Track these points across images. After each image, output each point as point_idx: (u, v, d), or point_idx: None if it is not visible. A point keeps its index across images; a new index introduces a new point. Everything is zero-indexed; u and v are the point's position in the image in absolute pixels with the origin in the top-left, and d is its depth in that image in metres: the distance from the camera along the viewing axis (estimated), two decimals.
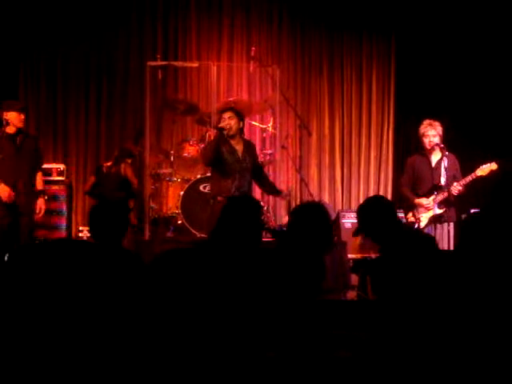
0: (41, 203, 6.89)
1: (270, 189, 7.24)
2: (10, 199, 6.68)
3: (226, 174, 6.66)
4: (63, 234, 8.50)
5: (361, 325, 4.16)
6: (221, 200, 6.58)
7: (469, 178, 6.84)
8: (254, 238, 4.09)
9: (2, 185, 6.69)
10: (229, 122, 6.65)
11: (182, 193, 7.97)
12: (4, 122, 6.85)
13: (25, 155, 6.88)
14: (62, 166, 8.19)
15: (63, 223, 8.55)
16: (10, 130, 6.85)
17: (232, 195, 6.49)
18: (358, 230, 4.69)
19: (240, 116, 6.79)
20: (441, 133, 6.99)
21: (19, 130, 6.89)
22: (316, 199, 9.08)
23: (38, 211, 6.86)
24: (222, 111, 6.89)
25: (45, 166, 8.27)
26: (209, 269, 3.79)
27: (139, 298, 3.86)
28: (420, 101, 9.49)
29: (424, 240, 4.53)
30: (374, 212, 4.50)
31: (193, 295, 3.68)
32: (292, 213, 4.49)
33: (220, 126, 6.62)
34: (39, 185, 7.02)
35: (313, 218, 4.17)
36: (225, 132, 6.59)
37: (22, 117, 6.88)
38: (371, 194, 9.79)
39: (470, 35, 9.35)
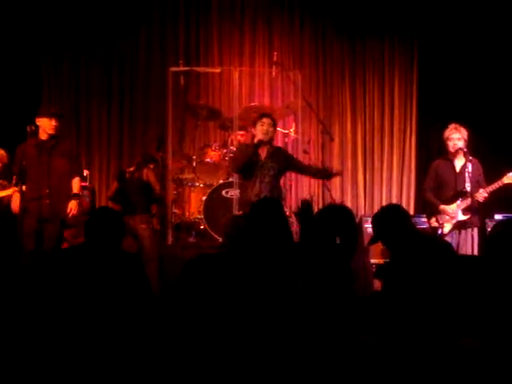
0: (72, 205, 6.78)
1: (322, 174, 7.22)
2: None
3: (248, 180, 6.68)
4: None
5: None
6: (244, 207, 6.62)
7: (495, 185, 6.78)
8: (283, 234, 4.10)
9: (16, 194, 6.56)
10: (268, 128, 6.65)
11: (204, 198, 7.98)
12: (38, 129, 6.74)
13: (55, 161, 6.73)
14: (85, 172, 8.21)
15: None
16: (42, 136, 6.73)
17: (252, 201, 6.42)
18: (373, 239, 4.68)
19: (275, 125, 6.82)
20: (466, 137, 6.94)
21: (52, 136, 6.75)
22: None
23: (68, 212, 6.77)
24: (262, 116, 6.77)
25: None
26: (241, 273, 3.82)
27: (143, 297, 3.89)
28: (442, 106, 9.45)
29: (439, 247, 4.48)
30: (388, 221, 4.47)
31: (230, 297, 3.71)
32: (318, 216, 4.47)
33: (260, 138, 6.60)
34: (75, 189, 6.85)
35: (340, 221, 4.16)
36: (263, 140, 6.62)
37: (54, 123, 6.69)
38: (394, 198, 9.77)
39: (492, 40, 9.29)
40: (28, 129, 6.69)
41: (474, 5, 9.31)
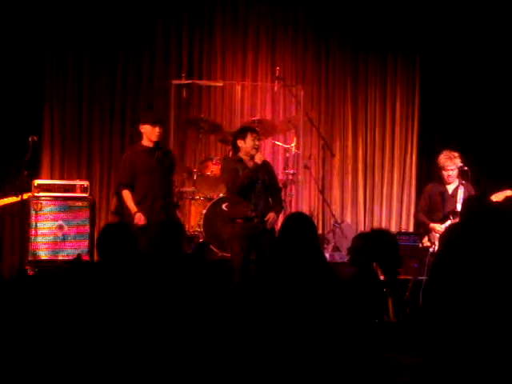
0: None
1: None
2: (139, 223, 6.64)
3: (243, 195, 6.70)
4: None
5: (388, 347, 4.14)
6: (240, 222, 6.63)
7: None
8: (315, 254, 4.10)
9: (139, 213, 6.66)
10: (257, 143, 6.80)
11: (204, 211, 7.98)
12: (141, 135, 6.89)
13: (163, 171, 6.87)
14: (85, 183, 8.21)
15: None
16: (146, 143, 6.87)
17: (248, 216, 6.63)
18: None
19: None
20: (459, 164, 7.13)
21: (156, 144, 6.86)
22: (338, 220, 9.08)
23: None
24: (252, 130, 6.89)
25: (68, 182, 8.37)
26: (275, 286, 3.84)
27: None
28: (444, 124, 9.48)
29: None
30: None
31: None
32: (359, 238, 4.45)
33: (258, 163, 6.69)
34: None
35: (381, 245, 4.18)
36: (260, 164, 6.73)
37: (157, 130, 6.80)
38: (394, 215, 9.79)
39: (495, 58, 9.33)
40: (30, 139, 6.72)
41: (476, 23, 9.36)
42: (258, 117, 9.00)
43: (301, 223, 4.20)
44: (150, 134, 6.82)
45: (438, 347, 3.83)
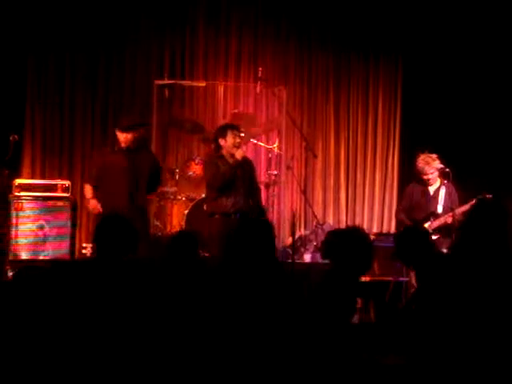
0: None
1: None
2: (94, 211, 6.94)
3: (222, 191, 6.71)
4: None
5: (366, 347, 4.14)
6: (218, 218, 6.66)
7: (463, 209, 6.85)
8: (269, 260, 4.09)
9: (93, 200, 6.94)
10: (239, 140, 6.87)
11: (186, 212, 7.97)
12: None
13: (132, 173, 6.93)
14: (67, 183, 8.15)
15: None
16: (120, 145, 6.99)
17: (227, 212, 6.69)
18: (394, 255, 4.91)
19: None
20: (439, 166, 7.07)
21: (127, 148, 6.94)
22: (320, 221, 9.09)
23: None
24: (233, 127, 6.96)
25: (49, 181, 8.29)
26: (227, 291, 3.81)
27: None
28: (426, 124, 9.52)
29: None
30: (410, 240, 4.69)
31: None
32: (331, 236, 4.47)
33: (239, 160, 6.75)
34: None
35: (355, 242, 4.18)
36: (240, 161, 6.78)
37: (125, 136, 6.89)
38: (375, 216, 9.83)
39: (477, 58, 9.37)
40: (11, 138, 6.68)
41: (458, 24, 9.39)
42: (238, 109, 9.00)
43: (251, 229, 4.19)
44: (119, 139, 6.94)
45: (421, 347, 3.85)
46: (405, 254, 4.75)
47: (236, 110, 8.74)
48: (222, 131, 6.89)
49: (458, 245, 4.40)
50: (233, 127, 6.96)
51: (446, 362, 3.69)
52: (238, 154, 6.76)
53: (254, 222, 4.42)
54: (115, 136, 7.07)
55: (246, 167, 6.92)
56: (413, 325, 4.13)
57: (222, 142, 6.81)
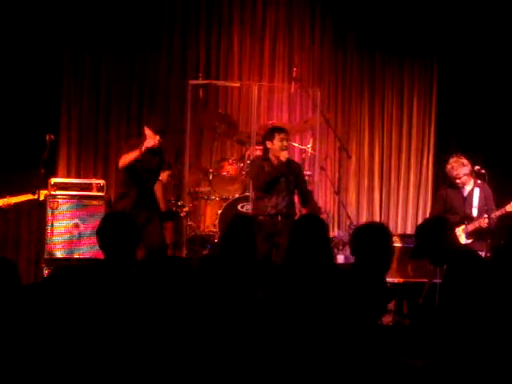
0: None
1: (306, 207, 7.19)
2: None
3: (266, 191, 6.72)
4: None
5: (401, 350, 4.12)
6: (262, 219, 6.65)
7: (498, 213, 6.75)
8: (325, 256, 4.10)
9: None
10: (286, 143, 6.85)
11: (219, 211, 7.98)
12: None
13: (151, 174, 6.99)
14: (101, 182, 8.21)
15: None
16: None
17: (268, 214, 6.68)
18: (416, 253, 4.63)
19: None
20: (469, 167, 6.94)
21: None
22: (354, 222, 9.04)
23: None
24: (280, 130, 6.95)
25: (84, 180, 8.34)
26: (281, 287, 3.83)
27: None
28: (461, 126, 9.44)
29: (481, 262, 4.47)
30: (435, 233, 4.35)
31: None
32: (355, 234, 4.46)
33: (284, 159, 6.75)
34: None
35: (378, 238, 4.18)
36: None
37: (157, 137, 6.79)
38: (409, 218, 9.76)
39: None
40: (47, 138, 6.73)
41: (493, 26, 9.31)
42: (274, 119, 9.01)
43: (311, 225, 4.21)
44: (148, 137, 6.82)
45: (443, 349, 3.82)
46: (426, 246, 4.37)
47: (271, 122, 8.72)
48: (270, 134, 6.91)
49: (502, 250, 4.32)
50: (280, 130, 6.96)
51: (471, 364, 3.66)
52: (283, 156, 6.76)
53: (313, 219, 4.42)
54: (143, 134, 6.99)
55: (293, 170, 6.92)
56: (436, 325, 4.09)
57: (269, 144, 6.84)
